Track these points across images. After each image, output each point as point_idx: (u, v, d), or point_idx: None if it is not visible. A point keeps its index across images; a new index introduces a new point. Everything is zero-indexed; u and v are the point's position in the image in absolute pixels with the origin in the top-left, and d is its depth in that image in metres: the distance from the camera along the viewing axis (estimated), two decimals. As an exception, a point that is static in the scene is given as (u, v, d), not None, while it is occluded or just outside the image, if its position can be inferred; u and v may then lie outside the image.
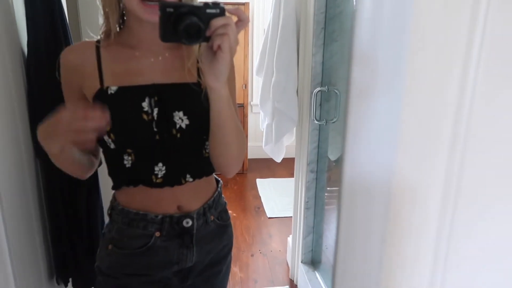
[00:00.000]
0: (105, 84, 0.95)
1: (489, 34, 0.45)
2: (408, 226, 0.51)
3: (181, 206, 1.04)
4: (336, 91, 2.19)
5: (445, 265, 0.53)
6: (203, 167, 1.06)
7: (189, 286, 1.12)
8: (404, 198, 0.49)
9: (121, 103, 0.95)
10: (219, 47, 0.78)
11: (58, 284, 1.71)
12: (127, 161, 0.98)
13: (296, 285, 2.65)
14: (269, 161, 3.38)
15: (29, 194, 1.52)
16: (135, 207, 1.02)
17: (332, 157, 2.46)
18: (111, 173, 1.06)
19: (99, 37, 1.01)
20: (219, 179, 1.17)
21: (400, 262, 0.53)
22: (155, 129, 0.95)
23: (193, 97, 0.98)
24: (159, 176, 1.00)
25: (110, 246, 1.04)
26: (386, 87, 0.50)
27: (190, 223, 1.04)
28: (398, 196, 0.49)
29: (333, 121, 2.25)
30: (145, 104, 0.95)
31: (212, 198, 1.10)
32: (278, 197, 4.01)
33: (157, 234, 1.02)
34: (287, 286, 2.64)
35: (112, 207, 1.08)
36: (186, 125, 0.97)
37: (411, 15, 0.44)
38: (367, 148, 0.53)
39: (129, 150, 0.97)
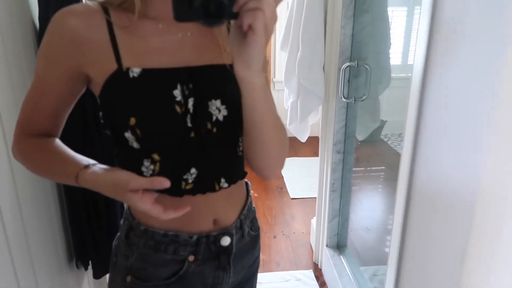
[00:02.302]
0: (124, 65, 0.73)
1: None
2: (495, 239, 0.40)
3: (218, 220, 0.86)
4: (366, 67, 2.03)
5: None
6: (237, 169, 0.86)
7: None
8: (491, 208, 0.38)
9: (148, 90, 0.74)
10: (250, 27, 0.59)
11: (78, 267, 1.68)
12: (147, 169, 0.78)
13: (321, 269, 2.58)
14: (292, 140, 3.24)
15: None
16: (162, 226, 0.82)
17: (360, 137, 2.33)
18: None
19: None
20: (247, 180, 0.97)
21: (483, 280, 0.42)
22: (189, 125, 0.76)
23: (231, 82, 0.74)
24: (190, 181, 0.80)
25: (128, 278, 0.85)
26: (476, 76, 0.38)
27: (229, 241, 0.86)
28: (485, 205, 0.38)
29: (362, 98, 2.11)
30: (177, 93, 0.74)
31: (247, 206, 0.92)
32: (301, 177, 3.91)
33: (191, 258, 0.84)
34: (311, 270, 2.57)
35: (130, 227, 0.86)
36: (224, 117, 0.78)
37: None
38: (447, 146, 0.41)
39: (155, 156, 0.77)
